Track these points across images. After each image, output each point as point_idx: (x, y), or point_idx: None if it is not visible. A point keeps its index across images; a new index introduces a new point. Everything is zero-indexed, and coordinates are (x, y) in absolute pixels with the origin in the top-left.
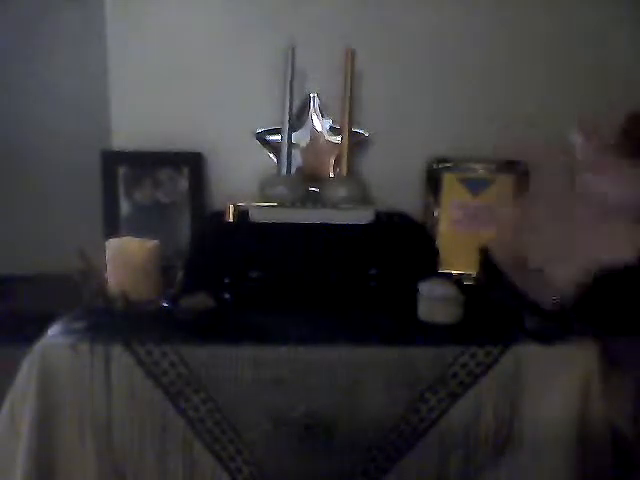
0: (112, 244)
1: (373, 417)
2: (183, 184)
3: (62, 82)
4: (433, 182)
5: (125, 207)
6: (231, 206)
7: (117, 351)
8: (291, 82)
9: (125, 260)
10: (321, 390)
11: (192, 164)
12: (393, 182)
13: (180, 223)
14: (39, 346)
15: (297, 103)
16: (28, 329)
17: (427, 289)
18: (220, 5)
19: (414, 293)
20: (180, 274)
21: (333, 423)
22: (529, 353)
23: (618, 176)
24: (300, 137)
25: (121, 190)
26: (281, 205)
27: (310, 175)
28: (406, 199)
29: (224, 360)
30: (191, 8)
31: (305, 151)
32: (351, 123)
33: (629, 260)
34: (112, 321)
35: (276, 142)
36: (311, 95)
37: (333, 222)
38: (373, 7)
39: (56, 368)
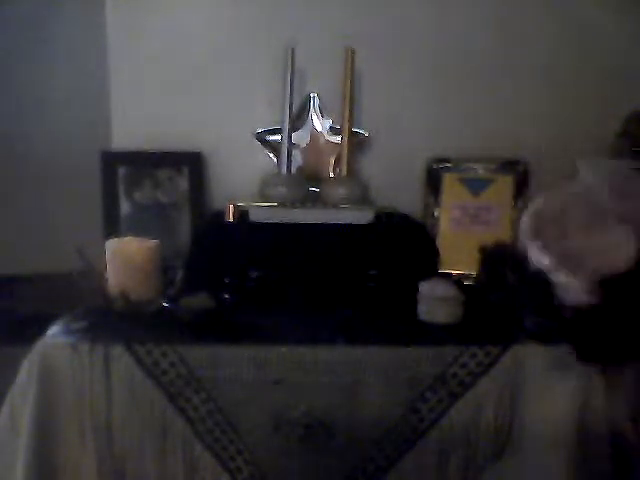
0: (112, 244)
1: (373, 417)
2: (183, 184)
3: (62, 82)
4: (433, 182)
5: (125, 207)
6: (231, 206)
7: (117, 351)
8: (291, 82)
9: (125, 260)
10: (321, 390)
11: (192, 164)
12: (393, 182)
13: (180, 223)
14: (39, 346)
15: (297, 103)
16: (28, 329)
17: (427, 289)
18: (220, 5)
19: (414, 293)
20: (180, 274)
21: (333, 423)
22: (529, 353)
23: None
24: (300, 137)
25: (121, 190)
26: (281, 205)
27: (310, 175)
28: (406, 199)
29: (224, 360)
30: (191, 8)
31: (305, 151)
32: (351, 123)
33: (627, 266)
34: (112, 321)
35: (276, 142)
36: (311, 95)
37: (333, 222)
38: (373, 7)
39: (56, 368)
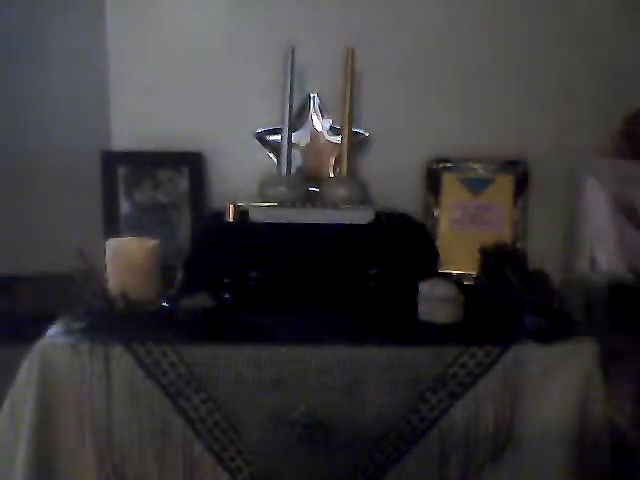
0: (112, 244)
1: (373, 417)
2: (183, 184)
3: (62, 82)
4: (433, 182)
5: (125, 207)
6: (231, 206)
7: (117, 351)
8: (291, 82)
9: (125, 260)
10: (321, 390)
11: (192, 164)
12: (393, 182)
13: (180, 223)
14: (39, 346)
15: (297, 103)
16: (28, 329)
17: (427, 289)
18: (220, 5)
19: (414, 293)
20: (180, 274)
21: (333, 423)
22: (529, 353)
23: None
24: (300, 137)
25: (121, 190)
26: (281, 205)
27: (310, 175)
28: (406, 199)
29: (224, 360)
30: (191, 8)
31: (305, 151)
32: (351, 123)
33: None
34: (112, 321)
35: (276, 142)
36: (311, 95)
37: (333, 222)
38: (373, 7)
39: (56, 368)
